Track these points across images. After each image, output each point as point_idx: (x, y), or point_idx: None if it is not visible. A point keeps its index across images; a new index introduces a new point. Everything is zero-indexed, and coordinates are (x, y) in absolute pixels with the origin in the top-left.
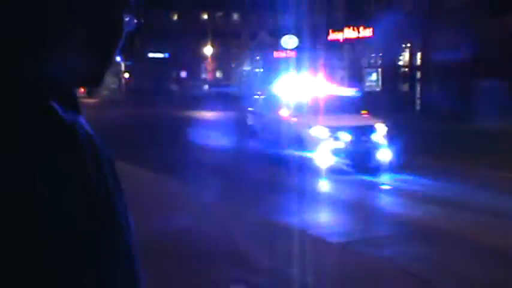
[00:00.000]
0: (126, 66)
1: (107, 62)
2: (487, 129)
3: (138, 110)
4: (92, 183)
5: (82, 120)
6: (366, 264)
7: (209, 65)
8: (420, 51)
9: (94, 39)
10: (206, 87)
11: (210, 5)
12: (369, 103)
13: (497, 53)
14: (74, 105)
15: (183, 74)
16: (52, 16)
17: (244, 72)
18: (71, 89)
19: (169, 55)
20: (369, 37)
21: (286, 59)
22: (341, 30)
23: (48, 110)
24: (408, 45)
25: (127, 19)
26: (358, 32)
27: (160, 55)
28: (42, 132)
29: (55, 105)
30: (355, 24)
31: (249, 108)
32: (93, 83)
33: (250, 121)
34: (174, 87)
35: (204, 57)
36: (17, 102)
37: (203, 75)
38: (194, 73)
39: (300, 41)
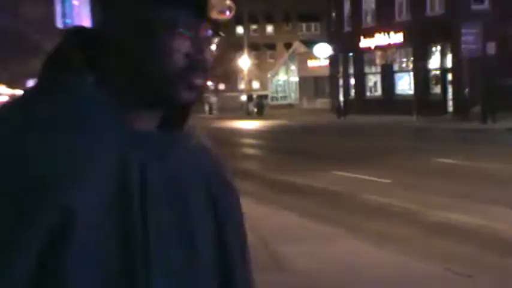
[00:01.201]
0: None
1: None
2: None
3: None
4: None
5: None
6: None
7: (246, 76)
8: (451, 53)
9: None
10: (244, 97)
11: (245, 18)
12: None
13: None
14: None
15: (221, 86)
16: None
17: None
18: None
19: None
20: (400, 43)
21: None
22: (372, 36)
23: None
24: (439, 48)
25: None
26: (389, 38)
27: None
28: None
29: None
30: (386, 30)
31: None
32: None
33: None
34: (212, 98)
35: (240, 69)
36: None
37: (241, 86)
38: (232, 84)
39: (333, 49)
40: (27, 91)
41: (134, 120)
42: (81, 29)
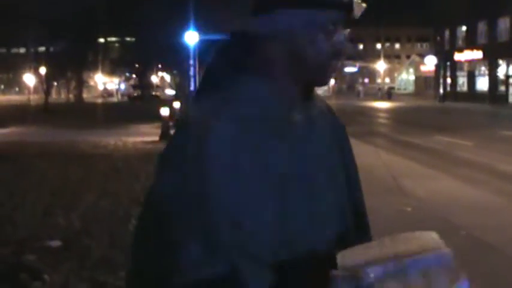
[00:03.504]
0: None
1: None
2: None
3: (340, 101)
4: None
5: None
6: None
7: (381, 75)
8: None
9: None
10: (378, 87)
11: (382, 39)
12: None
13: None
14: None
15: (366, 80)
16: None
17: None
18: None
19: (358, 69)
20: (479, 58)
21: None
22: (462, 52)
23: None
24: (505, 61)
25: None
26: (473, 54)
27: (354, 69)
28: None
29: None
30: (471, 49)
31: None
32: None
33: None
34: (360, 87)
35: (378, 70)
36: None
37: (378, 81)
38: (372, 79)
39: (437, 60)
40: (208, 87)
41: (284, 93)
42: (242, 34)
